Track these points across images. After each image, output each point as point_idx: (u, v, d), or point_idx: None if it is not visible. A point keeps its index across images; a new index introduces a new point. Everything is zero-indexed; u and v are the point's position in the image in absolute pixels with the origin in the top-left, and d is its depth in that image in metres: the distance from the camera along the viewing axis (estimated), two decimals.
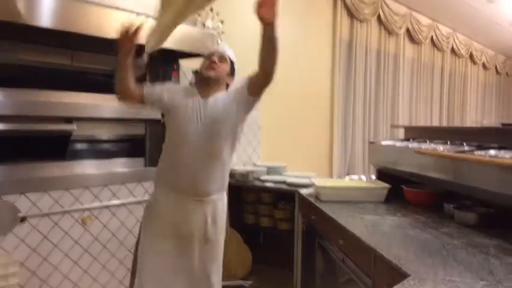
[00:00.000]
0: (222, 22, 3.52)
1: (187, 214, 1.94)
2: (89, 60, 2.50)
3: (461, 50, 7.42)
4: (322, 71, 4.82)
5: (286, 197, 3.32)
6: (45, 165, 2.24)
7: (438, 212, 2.11)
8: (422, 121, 6.58)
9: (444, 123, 7.15)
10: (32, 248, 2.17)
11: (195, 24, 3.27)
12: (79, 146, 2.49)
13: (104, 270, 2.48)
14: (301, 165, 4.07)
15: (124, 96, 1.95)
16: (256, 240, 3.61)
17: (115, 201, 2.50)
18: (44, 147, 2.29)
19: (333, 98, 4.91)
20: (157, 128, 2.72)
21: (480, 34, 7.52)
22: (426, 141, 2.37)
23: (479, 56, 8.13)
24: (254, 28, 3.98)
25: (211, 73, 1.98)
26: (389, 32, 5.68)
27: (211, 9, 3.46)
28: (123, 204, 2.54)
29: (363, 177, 3.01)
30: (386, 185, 2.41)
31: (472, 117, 8.07)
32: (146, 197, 2.54)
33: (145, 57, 1.95)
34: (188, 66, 3.18)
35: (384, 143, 2.63)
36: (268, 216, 3.47)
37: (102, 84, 2.64)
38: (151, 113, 2.70)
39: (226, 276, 2.27)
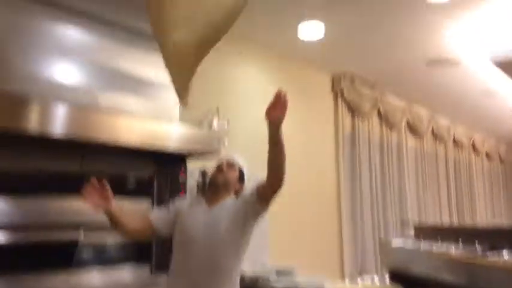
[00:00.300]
0: (228, 122, 3.63)
1: None
2: (98, 165, 2.55)
3: (462, 141, 7.54)
4: (326, 166, 4.87)
5: None
6: (50, 277, 2.17)
7: None
8: (431, 214, 6.46)
9: (454, 215, 7.03)
10: None
11: (201, 124, 3.38)
12: (85, 252, 2.45)
13: None
14: (312, 265, 3.94)
15: (132, 237, 1.94)
16: None
17: None
18: (51, 256, 2.25)
19: (339, 193, 4.89)
20: None
21: (480, 125, 7.69)
22: (438, 241, 2.32)
23: (482, 146, 8.24)
24: (260, 127, 4.10)
25: (219, 179, 2.00)
26: (391, 125, 5.82)
27: (217, 110, 3.59)
28: None
29: (376, 279, 2.90)
30: None
31: (482, 208, 7.96)
32: None
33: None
34: (195, 167, 3.22)
35: (394, 243, 2.57)
36: None
37: (111, 187, 2.67)
38: None
39: None
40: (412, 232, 2.83)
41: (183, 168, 2.93)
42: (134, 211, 1.89)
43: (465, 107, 6.45)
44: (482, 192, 8.14)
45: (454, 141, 7.40)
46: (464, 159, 7.72)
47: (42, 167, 2.32)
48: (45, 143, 2.24)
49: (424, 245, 2.28)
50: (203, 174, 3.30)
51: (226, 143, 3.50)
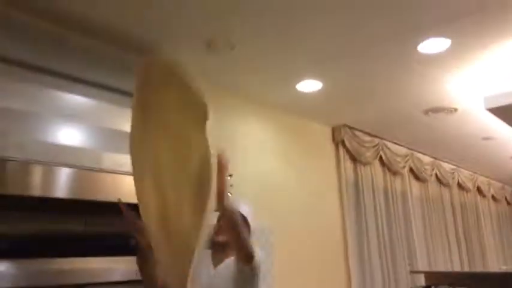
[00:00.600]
0: (230, 176, 3.66)
1: None
2: (103, 224, 2.54)
3: (467, 184, 7.51)
4: (331, 215, 4.83)
5: None
6: None
7: None
8: (441, 260, 6.34)
9: (465, 262, 6.88)
10: None
11: None
12: None
13: None
14: None
15: None
16: None
17: None
18: None
19: (346, 242, 4.83)
20: None
21: (483, 168, 7.69)
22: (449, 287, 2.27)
23: (487, 189, 8.20)
24: (261, 179, 4.12)
25: (220, 238, 1.97)
26: (394, 172, 5.82)
27: None
28: None
29: None
30: None
31: (492, 251, 7.80)
32: None
33: None
34: None
35: None
36: None
37: (115, 246, 2.65)
38: None
39: None
40: (423, 280, 2.77)
41: None
42: None
43: (467, 151, 6.48)
44: (491, 235, 8.01)
45: (459, 185, 7.37)
46: (471, 203, 7.66)
47: (46, 229, 2.32)
48: (49, 205, 2.25)
49: None
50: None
51: (230, 195, 3.51)
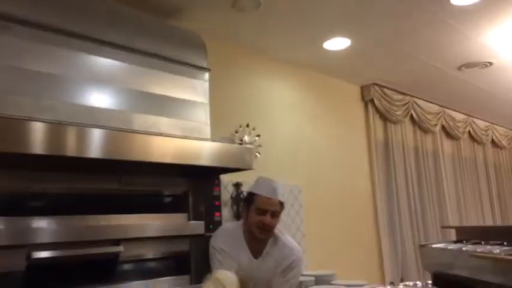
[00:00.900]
0: (258, 136, 3.68)
1: None
2: (136, 183, 2.62)
3: (502, 141, 7.31)
4: (360, 173, 4.82)
5: None
6: None
7: None
8: (473, 218, 6.28)
9: (498, 219, 6.79)
10: None
11: (233, 141, 3.44)
12: (125, 266, 2.52)
13: None
14: (350, 271, 3.89)
15: None
16: None
17: None
18: (93, 270, 2.33)
19: (375, 201, 4.84)
20: (202, 243, 2.74)
21: None
22: (481, 243, 2.25)
23: None
24: (289, 139, 4.14)
25: (264, 236, 1.95)
26: (425, 130, 5.72)
27: (248, 125, 3.64)
28: None
29: (419, 284, 2.83)
30: None
31: None
32: None
33: None
34: (229, 180, 3.28)
35: (435, 246, 2.51)
36: None
37: (148, 204, 2.75)
38: (195, 228, 2.74)
39: None
40: (453, 234, 2.76)
41: (216, 182, 2.98)
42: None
43: (502, 107, 6.26)
44: None
45: (493, 142, 7.18)
46: (505, 161, 7.47)
47: (84, 188, 2.42)
48: (86, 166, 2.34)
49: (467, 247, 2.22)
50: (237, 187, 3.35)
51: (258, 156, 3.55)
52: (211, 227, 2.79)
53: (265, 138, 3.75)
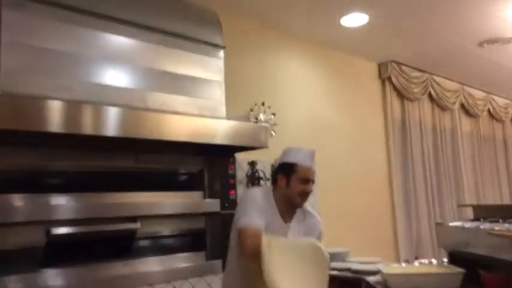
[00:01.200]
0: (274, 114, 3.66)
1: None
2: (152, 161, 2.65)
3: None
4: (377, 151, 4.78)
5: (352, 284, 3.15)
6: (111, 265, 2.30)
7: None
8: (490, 197, 6.21)
9: None
10: None
11: (248, 119, 3.43)
12: (142, 243, 2.56)
13: None
14: (365, 249, 3.90)
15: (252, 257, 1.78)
16: None
17: None
18: (110, 246, 2.38)
19: (391, 177, 4.81)
20: (217, 220, 2.77)
21: None
22: (499, 221, 2.23)
23: None
24: (305, 117, 4.11)
25: (304, 202, 1.97)
26: (443, 108, 5.62)
27: (263, 103, 3.62)
28: None
29: (434, 262, 2.82)
30: (461, 270, 2.24)
31: None
32: None
33: None
34: (244, 158, 3.28)
35: (452, 224, 2.49)
36: None
37: (164, 182, 2.77)
38: (211, 206, 2.76)
39: None
40: (470, 213, 2.73)
41: (232, 161, 2.99)
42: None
43: None
44: None
45: None
46: None
47: (100, 165, 2.45)
48: (102, 144, 2.36)
49: (484, 225, 2.20)
50: (252, 165, 3.36)
51: (273, 135, 3.54)
52: (226, 205, 2.82)
53: (281, 116, 3.73)
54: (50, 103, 1.95)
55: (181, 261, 2.60)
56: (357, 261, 3.34)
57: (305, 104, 4.10)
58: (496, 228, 2.04)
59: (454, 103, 5.75)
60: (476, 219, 2.53)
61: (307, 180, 1.97)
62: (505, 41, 4.41)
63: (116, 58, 2.41)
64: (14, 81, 1.99)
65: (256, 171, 3.36)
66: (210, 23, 2.91)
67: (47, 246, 2.12)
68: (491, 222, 2.28)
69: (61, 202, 2.21)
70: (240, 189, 3.26)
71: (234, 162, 3.00)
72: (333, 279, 3.25)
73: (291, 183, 1.94)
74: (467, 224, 2.36)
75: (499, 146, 6.66)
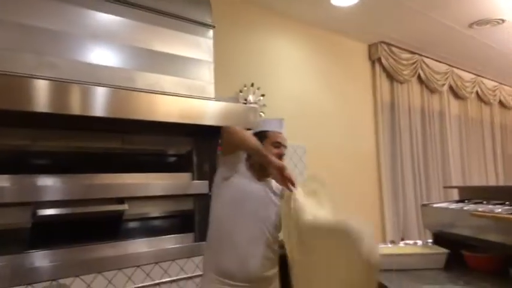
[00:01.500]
0: (263, 95, 3.65)
1: None
2: (139, 142, 2.63)
3: (510, 102, 7.21)
4: (365, 133, 4.80)
5: None
6: (98, 247, 2.30)
7: (504, 279, 1.96)
8: (476, 179, 6.29)
9: (501, 180, 6.81)
10: None
11: (237, 100, 3.41)
12: (130, 224, 2.56)
13: None
14: None
15: (232, 140, 1.98)
16: None
17: (166, 279, 2.50)
18: (98, 228, 2.37)
19: (379, 160, 4.84)
20: (206, 202, 2.76)
21: None
22: (483, 202, 2.26)
23: None
24: (294, 99, 4.09)
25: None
26: (432, 90, 5.64)
27: (252, 84, 3.60)
28: (174, 281, 2.54)
29: (419, 242, 2.87)
30: (445, 250, 2.28)
31: None
32: (197, 273, 2.53)
33: None
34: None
35: (437, 205, 2.52)
36: None
37: (152, 163, 2.76)
38: (199, 188, 2.76)
39: None
40: (456, 194, 2.77)
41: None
42: None
43: (511, 67, 6.14)
44: None
45: (501, 102, 7.09)
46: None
47: (88, 147, 2.43)
48: (89, 124, 2.34)
49: (468, 206, 2.23)
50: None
51: (262, 116, 3.53)
52: None
53: (270, 97, 3.72)
54: (36, 82, 1.92)
55: (169, 242, 2.61)
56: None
57: (294, 85, 4.08)
58: (480, 209, 2.06)
59: (443, 85, 5.77)
60: (461, 200, 2.56)
61: (279, 143, 2.08)
62: (494, 22, 4.41)
63: (103, 37, 2.37)
64: None
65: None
66: (200, 1, 2.86)
67: (33, 228, 2.11)
68: (475, 203, 2.31)
69: (47, 183, 2.20)
70: None
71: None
72: None
73: (265, 148, 2.02)
74: (452, 205, 2.39)
75: (486, 129, 6.73)
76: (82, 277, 2.17)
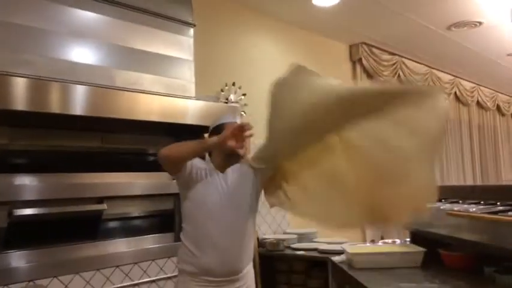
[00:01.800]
0: (244, 95, 3.65)
1: None
2: (118, 141, 2.61)
3: (487, 103, 7.36)
4: None
5: (319, 264, 3.23)
6: (77, 247, 2.27)
7: (479, 277, 2.01)
8: (454, 178, 6.41)
9: (478, 179, 6.94)
10: None
11: (218, 99, 3.41)
12: (110, 224, 2.54)
13: None
14: (332, 230, 3.98)
15: (171, 161, 1.87)
16: None
17: (146, 279, 2.48)
18: (77, 228, 2.34)
19: None
20: None
21: (505, 86, 7.49)
22: (459, 202, 2.30)
23: (507, 107, 8.04)
24: None
25: (242, 151, 1.98)
26: None
27: (233, 84, 3.60)
28: (154, 281, 2.52)
29: (397, 241, 2.91)
30: (422, 249, 2.32)
31: (507, 169, 7.82)
32: (176, 273, 2.52)
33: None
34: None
35: None
36: (302, 286, 3.35)
37: (132, 162, 2.74)
38: None
39: None
40: None
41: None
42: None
43: (490, 68, 6.27)
44: (507, 154, 7.96)
45: (478, 103, 7.23)
46: (489, 122, 7.55)
47: (66, 146, 2.40)
48: (67, 123, 2.31)
49: (444, 205, 2.27)
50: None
51: (243, 115, 3.53)
52: None
53: (251, 97, 3.72)
54: (14, 80, 1.89)
55: (149, 242, 2.59)
56: (324, 242, 3.42)
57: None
58: (455, 208, 2.10)
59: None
60: (438, 200, 2.61)
61: None
62: (472, 25, 4.49)
63: (82, 34, 2.34)
64: None
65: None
66: (181, 0, 2.85)
67: (10, 228, 2.07)
68: (451, 202, 2.35)
69: (25, 182, 2.16)
70: None
71: None
72: (301, 259, 3.34)
73: None
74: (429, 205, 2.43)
75: (464, 129, 6.85)
76: (60, 278, 2.14)
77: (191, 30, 2.86)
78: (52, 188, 2.20)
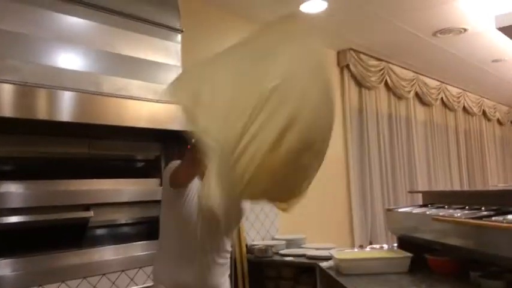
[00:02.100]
0: None
1: None
2: (106, 147, 2.59)
3: (473, 108, 7.46)
4: (334, 139, 4.80)
5: (308, 270, 3.23)
6: (62, 255, 2.24)
7: (465, 281, 2.03)
8: (442, 184, 6.47)
9: (465, 184, 7.02)
10: None
11: None
12: (97, 232, 2.52)
13: None
14: (321, 235, 4.00)
15: (181, 184, 1.85)
16: None
17: (133, 287, 2.46)
18: (63, 236, 2.32)
19: (347, 165, 4.91)
20: None
21: (490, 91, 7.59)
22: (444, 207, 2.33)
23: (493, 112, 8.15)
24: None
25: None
26: (399, 97, 5.77)
27: None
28: None
29: (385, 246, 2.93)
30: (409, 254, 2.34)
31: (494, 174, 7.92)
32: None
33: None
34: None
35: (401, 210, 2.59)
36: None
37: (119, 169, 2.73)
38: None
39: None
40: (421, 199, 2.84)
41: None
42: None
43: (475, 74, 6.36)
44: (493, 159, 8.08)
45: (465, 109, 7.32)
46: (475, 128, 7.65)
47: (53, 152, 2.38)
48: (54, 129, 2.29)
49: (430, 211, 2.29)
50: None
51: None
52: None
53: None
54: (0, 86, 1.87)
55: (136, 249, 2.56)
56: (312, 247, 3.43)
57: None
58: (441, 213, 2.12)
59: (410, 92, 5.92)
60: (424, 205, 2.64)
61: None
62: (457, 31, 4.56)
63: (69, 40, 2.33)
64: None
65: None
66: (168, 5, 2.85)
67: None
68: (437, 208, 2.38)
69: (10, 189, 2.13)
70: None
71: None
72: (289, 266, 3.35)
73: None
74: (415, 210, 2.45)
75: (450, 134, 6.93)
76: (45, 286, 2.11)
77: (179, 36, 2.86)
78: (38, 195, 2.18)
